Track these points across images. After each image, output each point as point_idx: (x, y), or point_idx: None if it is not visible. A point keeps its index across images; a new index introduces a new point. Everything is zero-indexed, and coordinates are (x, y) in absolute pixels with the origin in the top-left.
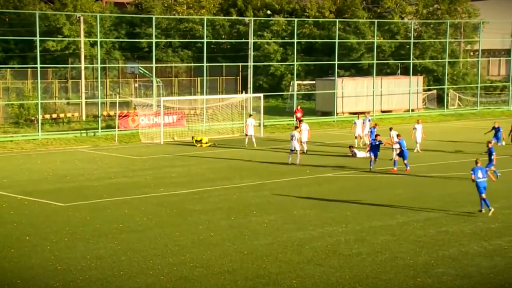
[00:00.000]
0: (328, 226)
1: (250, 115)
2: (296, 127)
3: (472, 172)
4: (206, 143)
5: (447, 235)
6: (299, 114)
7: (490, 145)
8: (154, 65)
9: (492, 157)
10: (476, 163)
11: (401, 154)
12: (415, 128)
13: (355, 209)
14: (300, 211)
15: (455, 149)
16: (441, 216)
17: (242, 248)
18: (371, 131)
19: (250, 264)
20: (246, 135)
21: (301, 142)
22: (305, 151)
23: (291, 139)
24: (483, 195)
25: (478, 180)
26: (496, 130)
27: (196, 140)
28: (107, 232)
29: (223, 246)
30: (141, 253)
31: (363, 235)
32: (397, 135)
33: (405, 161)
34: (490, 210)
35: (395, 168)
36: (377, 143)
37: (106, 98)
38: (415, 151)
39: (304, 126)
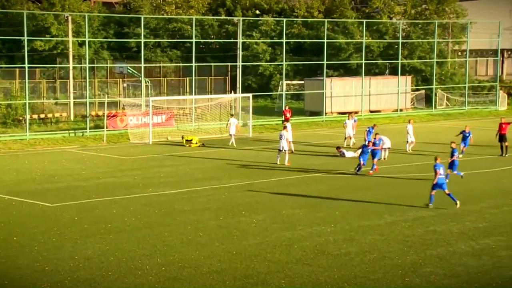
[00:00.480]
0: (316, 226)
1: (231, 115)
2: (285, 127)
3: (435, 168)
4: (196, 143)
5: (435, 234)
6: (288, 115)
7: (453, 145)
8: (142, 65)
9: (454, 157)
10: (436, 159)
11: (373, 152)
12: (408, 129)
13: (344, 208)
14: (289, 211)
15: (443, 150)
16: (429, 215)
17: (231, 248)
18: (369, 131)
19: (238, 264)
20: (230, 134)
21: (289, 142)
22: (292, 151)
23: (280, 139)
24: (434, 192)
25: (439, 176)
26: (465, 135)
27: (186, 140)
28: (95, 233)
29: (212, 246)
30: (129, 253)
31: (351, 234)
32: (376, 134)
33: (375, 160)
34: (428, 205)
35: (376, 167)
36: (369, 150)
37: (95, 98)
38: (408, 150)
39: (288, 126)
